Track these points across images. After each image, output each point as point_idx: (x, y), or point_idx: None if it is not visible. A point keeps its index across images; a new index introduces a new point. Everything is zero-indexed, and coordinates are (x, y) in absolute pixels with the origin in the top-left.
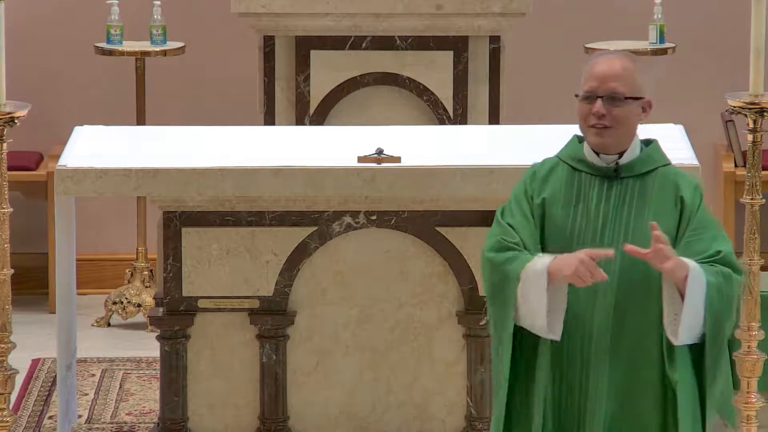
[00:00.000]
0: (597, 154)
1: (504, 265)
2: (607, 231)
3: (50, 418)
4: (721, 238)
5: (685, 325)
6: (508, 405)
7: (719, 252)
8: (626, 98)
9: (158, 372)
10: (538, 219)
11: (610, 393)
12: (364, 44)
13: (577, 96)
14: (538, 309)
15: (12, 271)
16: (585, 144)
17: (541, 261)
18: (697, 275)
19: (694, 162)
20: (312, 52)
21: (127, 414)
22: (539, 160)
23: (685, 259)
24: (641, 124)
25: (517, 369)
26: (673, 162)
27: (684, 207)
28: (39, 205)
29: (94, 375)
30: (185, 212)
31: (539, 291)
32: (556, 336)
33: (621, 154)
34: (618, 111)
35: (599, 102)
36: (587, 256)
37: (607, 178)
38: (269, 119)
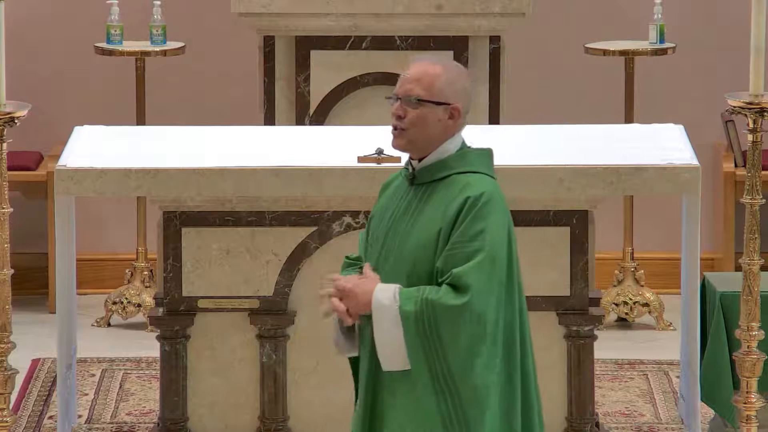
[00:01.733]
0: (413, 159)
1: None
2: (388, 238)
3: (50, 418)
4: (472, 256)
5: (381, 355)
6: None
7: (450, 274)
8: (421, 101)
9: (158, 372)
10: (366, 234)
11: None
12: (364, 44)
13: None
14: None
15: (12, 271)
16: None
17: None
18: (379, 308)
19: (694, 162)
20: (312, 52)
21: (127, 414)
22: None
23: (381, 292)
24: (459, 130)
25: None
26: (673, 162)
27: (445, 220)
28: (39, 205)
29: (94, 375)
30: (185, 212)
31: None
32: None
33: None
34: (412, 113)
35: (397, 103)
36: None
37: (410, 184)
38: (269, 119)
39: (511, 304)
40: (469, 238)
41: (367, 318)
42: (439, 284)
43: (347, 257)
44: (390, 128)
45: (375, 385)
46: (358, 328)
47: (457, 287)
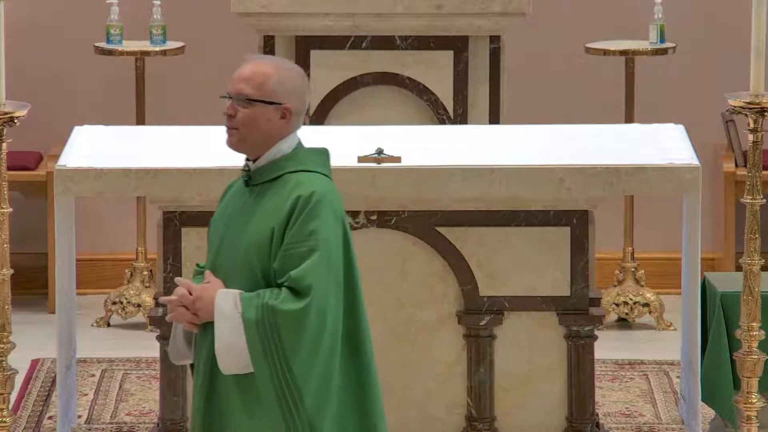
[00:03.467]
0: (249, 160)
1: None
2: (224, 241)
3: (50, 418)
4: (306, 257)
5: (221, 360)
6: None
7: (288, 276)
8: (251, 100)
9: (158, 372)
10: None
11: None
12: (364, 44)
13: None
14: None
15: (12, 271)
16: None
17: None
18: (221, 316)
19: (695, 162)
20: (312, 52)
21: (127, 414)
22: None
23: (222, 299)
24: (293, 131)
25: None
26: (673, 162)
27: (278, 220)
28: (39, 205)
29: (93, 375)
30: (185, 212)
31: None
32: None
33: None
34: (243, 113)
35: (229, 102)
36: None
37: (246, 185)
38: None
39: (350, 302)
40: (303, 237)
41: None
42: (278, 286)
43: (198, 265)
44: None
45: (213, 390)
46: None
47: (295, 290)
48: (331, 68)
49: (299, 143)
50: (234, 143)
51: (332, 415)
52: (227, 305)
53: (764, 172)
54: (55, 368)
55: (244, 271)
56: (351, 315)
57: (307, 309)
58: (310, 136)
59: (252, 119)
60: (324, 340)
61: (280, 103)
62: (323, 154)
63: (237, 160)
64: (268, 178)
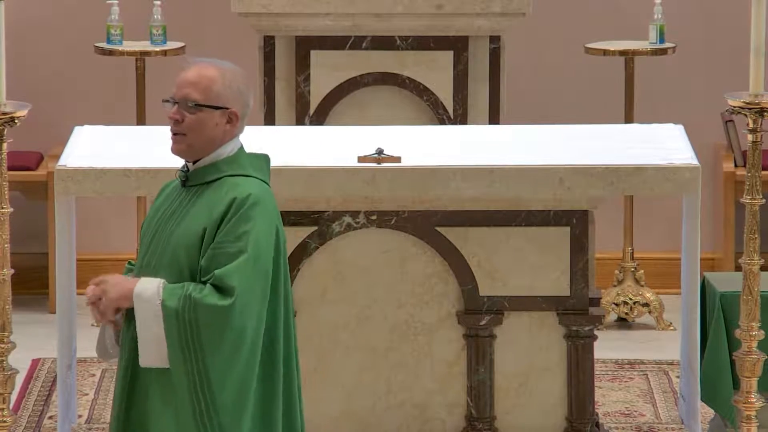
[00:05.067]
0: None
1: None
2: (154, 240)
3: (50, 418)
4: (234, 257)
5: (141, 350)
6: None
7: (212, 275)
8: (199, 105)
9: None
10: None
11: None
12: (364, 44)
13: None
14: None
15: (12, 271)
16: None
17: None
18: (141, 300)
19: (694, 162)
20: (312, 52)
21: None
22: None
23: (143, 285)
24: (237, 134)
25: None
26: (673, 162)
27: (211, 219)
28: (39, 205)
29: (94, 375)
30: None
31: None
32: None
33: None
34: (189, 118)
35: (175, 107)
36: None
37: (183, 185)
38: (269, 119)
39: (275, 307)
40: (234, 238)
41: (128, 319)
42: (203, 283)
43: (129, 263)
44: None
45: (133, 388)
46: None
47: (220, 288)
48: (331, 68)
49: (241, 147)
50: (182, 150)
51: (249, 422)
52: (148, 290)
53: (764, 172)
54: (56, 368)
55: (171, 269)
56: (276, 322)
57: (230, 308)
58: (310, 136)
59: (199, 125)
60: (245, 343)
61: (227, 108)
62: (264, 159)
63: None
64: (205, 180)
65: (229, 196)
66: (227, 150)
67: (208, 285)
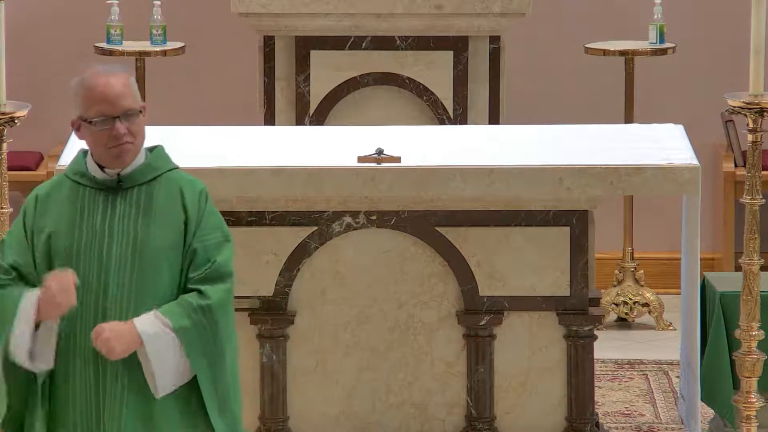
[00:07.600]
0: (101, 167)
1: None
2: (114, 246)
3: None
4: (222, 245)
5: (160, 383)
6: None
7: (213, 262)
8: (140, 111)
9: None
10: (42, 253)
11: (129, 416)
12: (364, 44)
13: (90, 122)
14: (21, 343)
15: None
16: (88, 158)
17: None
18: (150, 338)
19: (694, 162)
20: (312, 52)
21: None
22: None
23: (142, 325)
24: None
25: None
26: (673, 162)
27: (188, 215)
28: None
29: None
30: None
31: (26, 325)
32: (48, 366)
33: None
34: (135, 126)
35: (118, 123)
36: (52, 280)
37: (111, 190)
38: (269, 119)
39: None
40: (214, 227)
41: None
42: (198, 275)
43: (8, 270)
44: (115, 150)
45: (100, 404)
46: (58, 341)
47: (217, 276)
48: (331, 68)
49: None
50: (132, 158)
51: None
52: (151, 327)
53: (763, 172)
54: None
55: (150, 272)
56: None
57: (230, 291)
58: (310, 136)
59: (142, 128)
60: (233, 330)
61: (143, 105)
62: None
63: (237, 160)
64: (145, 179)
65: (194, 188)
66: (146, 145)
67: (201, 287)
